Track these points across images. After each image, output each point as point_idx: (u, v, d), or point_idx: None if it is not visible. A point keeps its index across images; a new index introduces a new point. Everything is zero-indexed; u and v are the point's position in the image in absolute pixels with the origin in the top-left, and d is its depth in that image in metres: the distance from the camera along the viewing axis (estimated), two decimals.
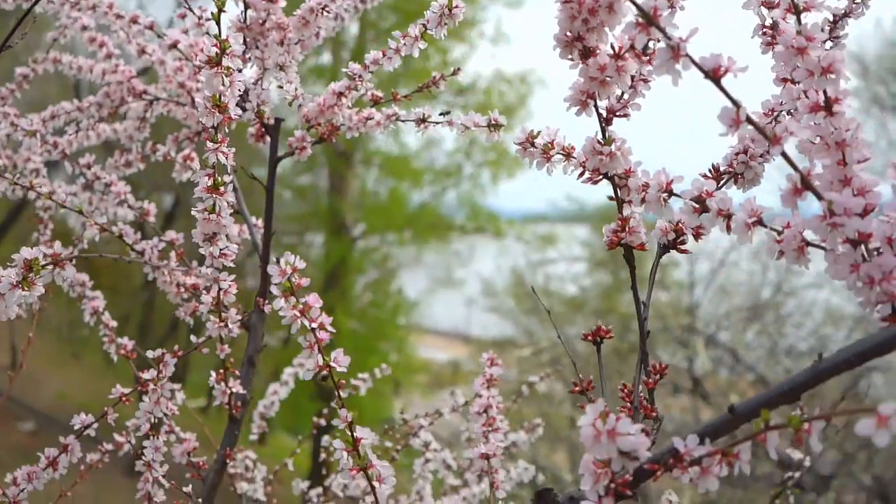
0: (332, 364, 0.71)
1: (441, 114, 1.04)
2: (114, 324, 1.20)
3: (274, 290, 0.69)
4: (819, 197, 0.57)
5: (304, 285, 0.71)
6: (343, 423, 0.72)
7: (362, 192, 12.51)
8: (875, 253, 0.59)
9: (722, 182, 0.78)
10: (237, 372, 1.07)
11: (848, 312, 7.12)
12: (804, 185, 0.58)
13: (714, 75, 0.57)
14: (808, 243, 0.62)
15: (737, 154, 0.77)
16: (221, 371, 1.06)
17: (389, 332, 11.87)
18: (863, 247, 0.60)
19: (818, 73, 0.60)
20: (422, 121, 1.06)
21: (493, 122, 0.94)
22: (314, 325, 0.70)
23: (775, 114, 0.79)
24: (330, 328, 0.71)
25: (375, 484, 0.73)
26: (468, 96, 10.72)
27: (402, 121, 1.08)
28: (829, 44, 0.81)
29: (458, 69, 1.12)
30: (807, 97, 0.63)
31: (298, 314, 0.69)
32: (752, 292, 7.94)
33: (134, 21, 1.17)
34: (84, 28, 1.26)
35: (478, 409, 1.08)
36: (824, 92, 0.60)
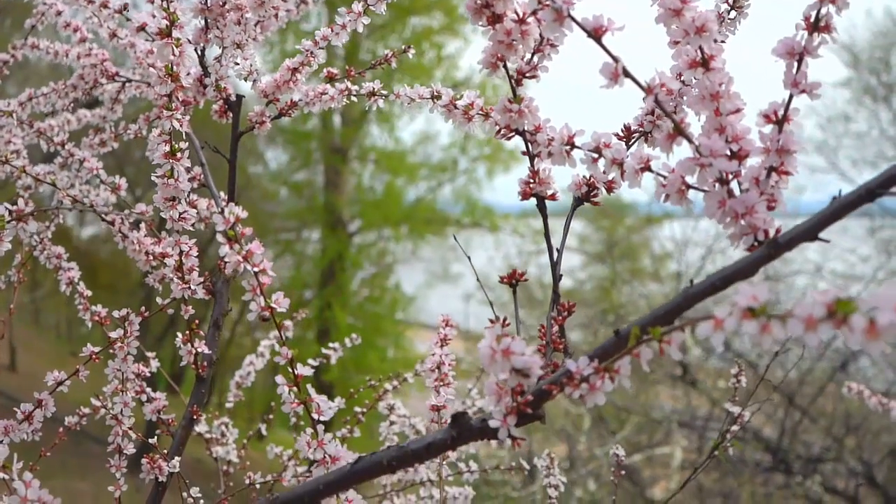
0: (273, 305, 0.78)
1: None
2: (88, 293, 1.27)
3: (220, 237, 0.76)
4: (689, 141, 0.65)
5: (247, 234, 0.77)
6: (284, 361, 0.79)
7: (358, 188, 12.56)
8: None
9: (633, 140, 0.85)
10: (202, 333, 1.14)
11: None
12: (677, 130, 0.65)
13: (595, 34, 0.64)
14: (689, 186, 0.69)
15: (646, 114, 0.84)
16: (187, 332, 1.14)
17: (387, 328, 11.92)
18: (736, 186, 0.67)
19: (693, 31, 0.67)
20: (372, 94, 1.13)
21: (435, 93, 1.01)
22: (257, 269, 0.77)
23: (682, 77, 0.86)
24: (271, 273, 0.77)
25: (315, 416, 0.80)
26: (463, 91, 10.76)
27: (355, 95, 1.15)
28: (732, 13, 0.88)
29: (410, 47, 1.19)
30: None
31: (242, 259, 0.76)
32: None
33: (104, 6, 1.24)
34: (59, 13, 1.33)
35: (430, 366, 1.15)
36: (700, 49, 0.67)
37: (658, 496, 7.27)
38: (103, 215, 1.17)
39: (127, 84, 1.40)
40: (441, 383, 1.15)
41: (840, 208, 0.59)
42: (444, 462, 1.23)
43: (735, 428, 1.26)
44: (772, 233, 0.64)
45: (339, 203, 12.00)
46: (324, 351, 1.56)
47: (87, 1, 1.22)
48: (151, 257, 1.20)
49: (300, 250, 12.62)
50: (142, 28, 1.16)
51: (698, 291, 0.63)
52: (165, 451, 1.10)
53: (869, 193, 0.58)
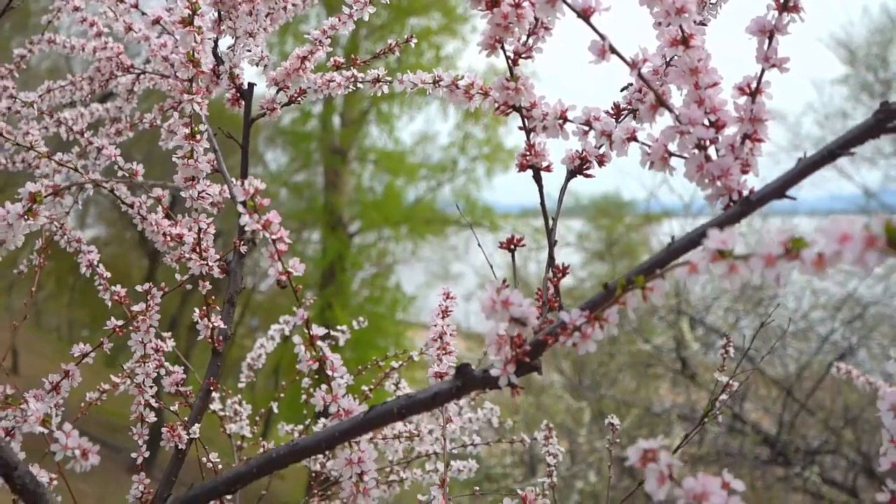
0: (291, 269, 0.84)
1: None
2: (108, 274, 1.33)
3: (240, 207, 0.82)
4: (671, 111, 0.71)
5: (265, 205, 0.84)
6: (300, 321, 0.86)
7: (358, 189, 12.63)
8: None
9: (622, 116, 0.91)
10: (218, 308, 1.20)
11: (833, 293, 7.28)
12: (659, 101, 0.71)
13: (585, 14, 0.70)
14: (671, 153, 0.75)
15: (634, 92, 0.91)
16: (204, 308, 1.20)
17: (387, 328, 11.97)
18: (714, 153, 0.73)
19: (673, 12, 0.73)
20: (376, 80, 1.19)
21: (436, 79, 1.07)
22: (275, 237, 0.83)
23: (668, 58, 0.92)
24: (288, 240, 0.84)
25: (329, 372, 0.86)
26: None
27: (360, 82, 1.21)
28: None
29: (412, 36, 1.25)
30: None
31: (261, 227, 0.83)
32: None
33: (120, 0, 1.30)
34: (76, 9, 1.39)
35: (433, 336, 1.21)
36: (680, 28, 0.74)
37: None
38: (123, 199, 1.24)
39: (141, 76, 1.46)
40: (443, 352, 1.21)
41: (805, 168, 0.65)
42: (448, 426, 1.29)
43: (724, 397, 1.32)
44: (745, 193, 0.70)
45: (339, 204, 12.06)
46: (332, 333, 1.62)
47: None
48: (169, 238, 1.26)
49: (300, 251, 12.67)
50: (157, 21, 1.23)
51: (679, 246, 0.69)
52: (186, 419, 1.17)
53: (830, 154, 0.64)
